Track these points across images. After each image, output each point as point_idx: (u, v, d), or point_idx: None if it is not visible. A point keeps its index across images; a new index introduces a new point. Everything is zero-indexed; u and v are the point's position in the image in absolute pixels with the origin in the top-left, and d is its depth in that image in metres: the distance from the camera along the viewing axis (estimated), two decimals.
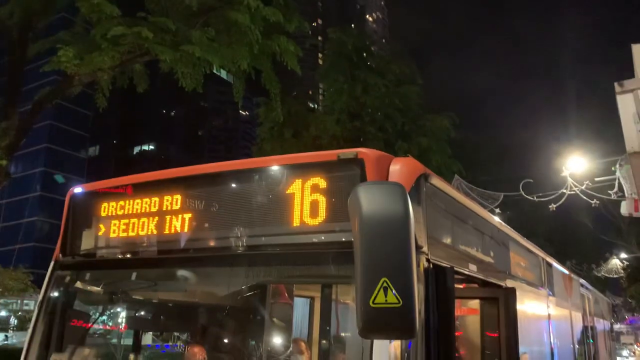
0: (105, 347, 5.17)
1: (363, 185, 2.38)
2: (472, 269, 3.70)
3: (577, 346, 8.31)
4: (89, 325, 4.35)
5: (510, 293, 4.02)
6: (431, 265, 2.95)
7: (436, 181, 3.32)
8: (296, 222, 3.03)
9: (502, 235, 5.01)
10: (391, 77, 23.33)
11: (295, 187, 3.07)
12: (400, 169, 3.01)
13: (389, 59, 24.97)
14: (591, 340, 9.94)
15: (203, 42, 12.26)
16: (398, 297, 2.11)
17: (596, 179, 15.82)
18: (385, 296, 2.12)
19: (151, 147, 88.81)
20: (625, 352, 37.58)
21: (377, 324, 2.14)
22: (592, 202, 16.42)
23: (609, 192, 15.19)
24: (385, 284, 2.12)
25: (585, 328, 9.34)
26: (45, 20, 13.85)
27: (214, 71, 14.64)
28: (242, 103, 15.82)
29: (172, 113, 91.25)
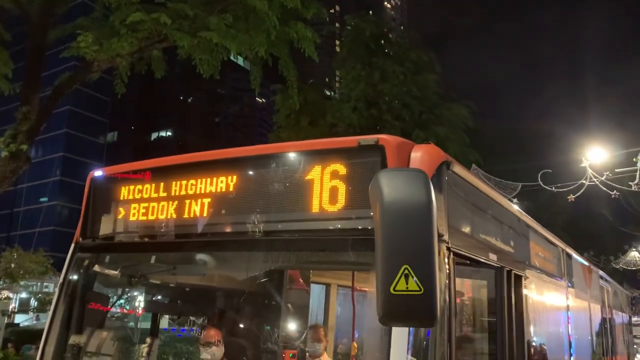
0: (124, 329, 5.23)
1: (385, 172, 2.36)
2: (491, 258, 3.66)
3: (595, 338, 8.23)
4: (108, 308, 4.40)
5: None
6: (451, 254, 2.93)
7: (458, 169, 3.28)
8: (315, 208, 3.02)
9: (523, 225, 4.96)
10: (409, 65, 23.06)
11: (315, 173, 3.06)
12: (421, 156, 2.97)
13: (407, 46, 24.69)
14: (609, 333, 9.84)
15: (221, 29, 12.22)
16: (419, 284, 2.10)
17: (616, 170, 15.61)
18: (407, 283, 2.10)
19: (169, 133, 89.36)
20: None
21: (397, 311, 2.13)
22: (612, 193, 16.19)
23: (630, 183, 14.98)
24: (406, 271, 2.11)
25: (603, 320, 9.25)
26: (65, 6, 13.90)
27: (231, 58, 14.59)
28: (259, 90, 15.75)
29: (190, 100, 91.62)
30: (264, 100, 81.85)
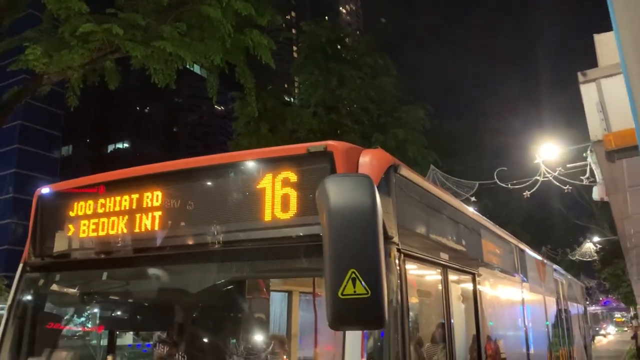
0: (81, 349, 5.10)
1: (330, 178, 2.39)
2: (443, 258, 3.74)
3: (551, 329, 8.49)
4: (62, 327, 4.29)
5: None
6: (402, 255, 2.98)
7: (406, 172, 3.34)
8: (268, 217, 3.04)
9: (474, 223, 5.08)
10: (366, 69, 23.35)
11: (266, 182, 3.07)
12: (369, 160, 3.03)
13: (363, 51, 24.97)
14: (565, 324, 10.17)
15: (174, 38, 12.10)
16: (367, 287, 2.14)
17: (568, 165, 16.10)
18: (354, 287, 2.14)
19: (126, 145, 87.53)
20: None
21: (346, 315, 2.16)
22: (565, 188, 16.73)
23: (581, 177, 15.48)
24: (353, 275, 2.14)
25: (559, 312, 9.55)
26: (11, 17, 13.48)
27: (187, 66, 14.49)
28: (216, 98, 15.62)
29: (146, 110, 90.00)
30: (222, 108, 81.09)
